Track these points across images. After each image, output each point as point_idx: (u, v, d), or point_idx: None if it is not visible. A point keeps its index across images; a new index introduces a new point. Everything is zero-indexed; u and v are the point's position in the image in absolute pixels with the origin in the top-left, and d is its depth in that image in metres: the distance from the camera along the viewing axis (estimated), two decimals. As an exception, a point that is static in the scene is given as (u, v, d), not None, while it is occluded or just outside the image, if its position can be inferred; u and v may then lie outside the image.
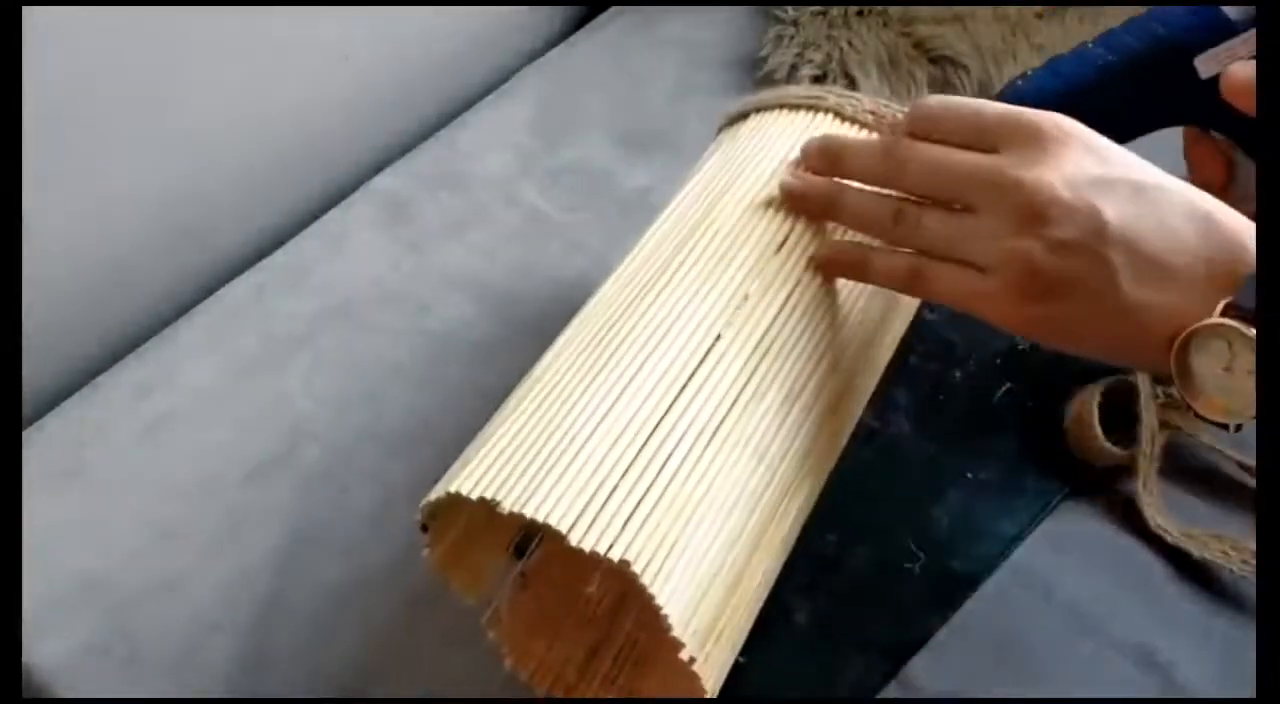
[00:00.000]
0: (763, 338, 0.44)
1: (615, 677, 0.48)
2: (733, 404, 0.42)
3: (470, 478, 0.39)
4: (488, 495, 0.38)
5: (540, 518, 0.37)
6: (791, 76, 0.75)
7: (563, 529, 0.37)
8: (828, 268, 0.47)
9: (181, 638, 0.52)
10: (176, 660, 0.52)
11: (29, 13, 0.51)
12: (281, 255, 0.68)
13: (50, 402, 0.62)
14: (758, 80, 0.75)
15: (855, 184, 0.47)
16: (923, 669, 0.50)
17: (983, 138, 0.43)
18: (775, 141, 0.51)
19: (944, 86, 0.75)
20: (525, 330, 0.63)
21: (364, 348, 0.63)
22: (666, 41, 0.80)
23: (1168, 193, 0.40)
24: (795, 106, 0.54)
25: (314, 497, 0.57)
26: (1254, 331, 0.37)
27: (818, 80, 0.75)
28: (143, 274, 0.66)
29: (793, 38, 0.76)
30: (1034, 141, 0.41)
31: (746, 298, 0.45)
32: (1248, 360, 0.37)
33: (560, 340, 0.46)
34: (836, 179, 0.47)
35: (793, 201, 0.48)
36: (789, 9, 0.77)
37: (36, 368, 0.62)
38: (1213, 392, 0.38)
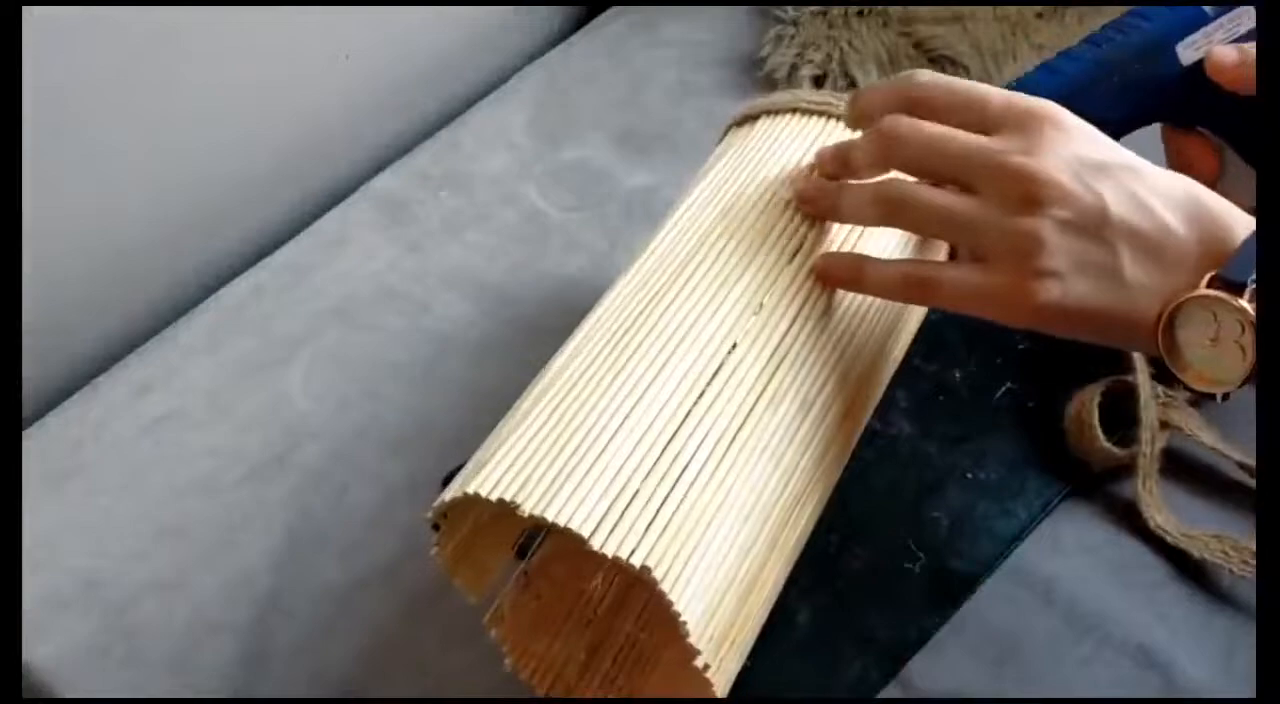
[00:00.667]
0: (778, 347, 0.44)
1: (615, 677, 0.48)
2: (750, 412, 0.42)
3: (489, 479, 0.39)
4: (507, 497, 0.38)
5: (562, 522, 0.37)
6: (791, 76, 0.75)
7: (584, 533, 0.37)
8: (823, 280, 0.47)
9: (181, 638, 0.52)
10: (176, 660, 0.51)
11: (29, 13, 0.51)
12: (281, 255, 0.68)
13: (50, 402, 0.62)
14: (758, 80, 0.75)
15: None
16: (923, 669, 0.50)
17: (983, 121, 0.43)
18: (788, 147, 0.51)
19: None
20: (525, 330, 0.63)
21: (364, 348, 0.63)
22: (666, 41, 0.80)
23: (1159, 178, 0.41)
24: (808, 111, 0.53)
25: (314, 497, 0.57)
26: (1239, 302, 0.38)
27: (818, 80, 0.75)
28: (143, 274, 0.66)
29: (793, 38, 0.76)
30: (1034, 127, 0.42)
31: (762, 306, 0.45)
32: (1233, 330, 0.39)
33: (574, 341, 0.46)
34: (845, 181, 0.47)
35: (803, 205, 0.48)
36: (789, 9, 0.77)
37: (36, 368, 0.62)
38: (1200, 364, 0.40)
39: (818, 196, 0.48)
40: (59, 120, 0.57)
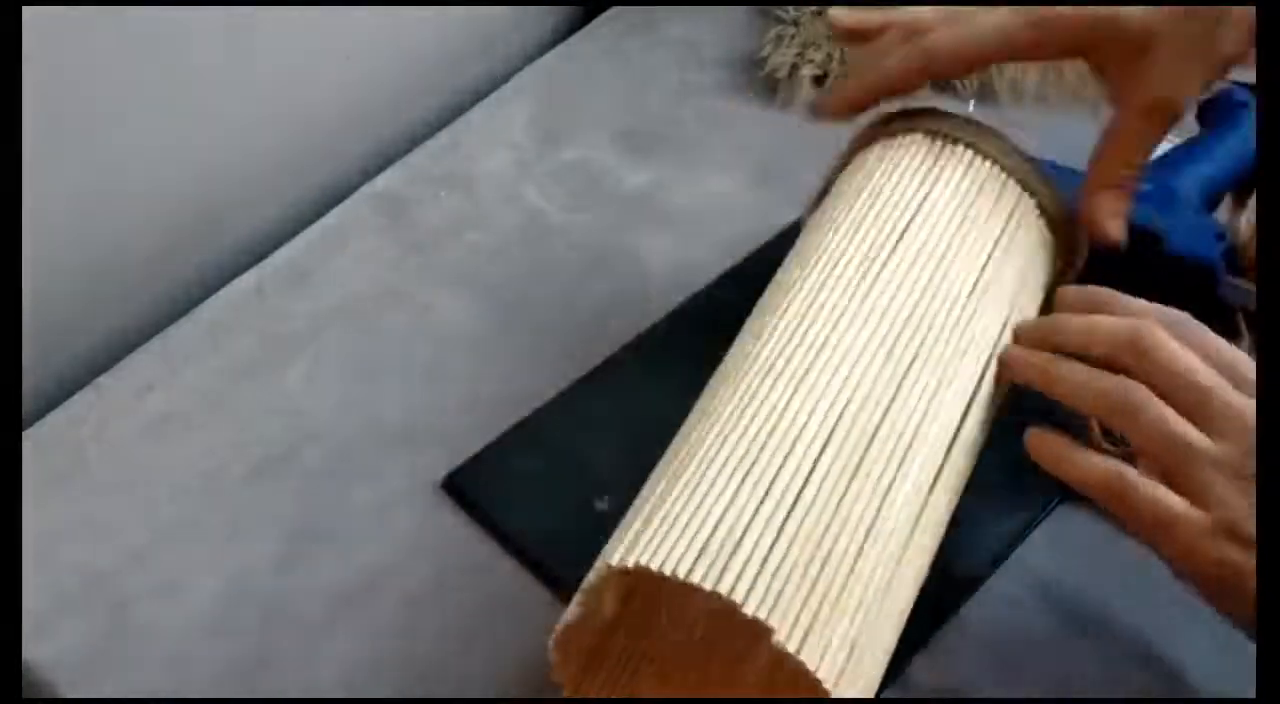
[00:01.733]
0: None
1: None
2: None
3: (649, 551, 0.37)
4: (690, 577, 0.36)
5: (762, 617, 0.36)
6: (792, 76, 0.75)
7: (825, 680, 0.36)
8: (1033, 449, 0.46)
9: (181, 638, 0.52)
10: (176, 660, 0.51)
11: (29, 13, 0.51)
12: (281, 255, 0.68)
13: (51, 401, 0.62)
14: (758, 80, 0.75)
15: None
16: (923, 669, 0.50)
17: (1233, 375, 0.42)
18: (932, 191, 0.49)
19: (944, 86, 0.75)
20: (525, 330, 0.63)
21: (364, 347, 0.63)
22: (666, 41, 0.80)
23: None
24: (933, 133, 0.50)
25: (314, 496, 0.57)
26: None
27: (818, 80, 0.75)
28: (143, 274, 0.66)
29: (793, 38, 0.76)
30: None
31: (936, 393, 0.44)
32: None
33: (714, 394, 0.44)
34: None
35: (1008, 369, 0.47)
36: (789, 9, 0.78)
37: (36, 368, 0.62)
38: None
39: (1024, 363, 0.46)
40: (59, 120, 0.57)
